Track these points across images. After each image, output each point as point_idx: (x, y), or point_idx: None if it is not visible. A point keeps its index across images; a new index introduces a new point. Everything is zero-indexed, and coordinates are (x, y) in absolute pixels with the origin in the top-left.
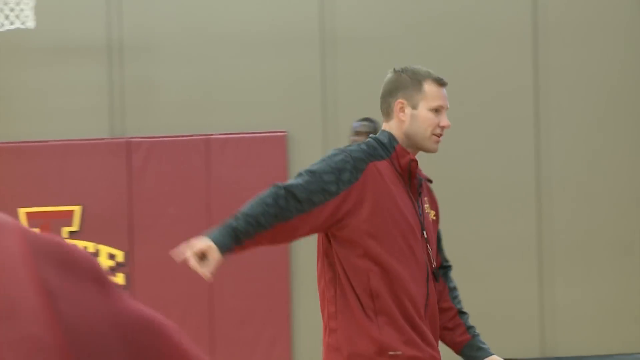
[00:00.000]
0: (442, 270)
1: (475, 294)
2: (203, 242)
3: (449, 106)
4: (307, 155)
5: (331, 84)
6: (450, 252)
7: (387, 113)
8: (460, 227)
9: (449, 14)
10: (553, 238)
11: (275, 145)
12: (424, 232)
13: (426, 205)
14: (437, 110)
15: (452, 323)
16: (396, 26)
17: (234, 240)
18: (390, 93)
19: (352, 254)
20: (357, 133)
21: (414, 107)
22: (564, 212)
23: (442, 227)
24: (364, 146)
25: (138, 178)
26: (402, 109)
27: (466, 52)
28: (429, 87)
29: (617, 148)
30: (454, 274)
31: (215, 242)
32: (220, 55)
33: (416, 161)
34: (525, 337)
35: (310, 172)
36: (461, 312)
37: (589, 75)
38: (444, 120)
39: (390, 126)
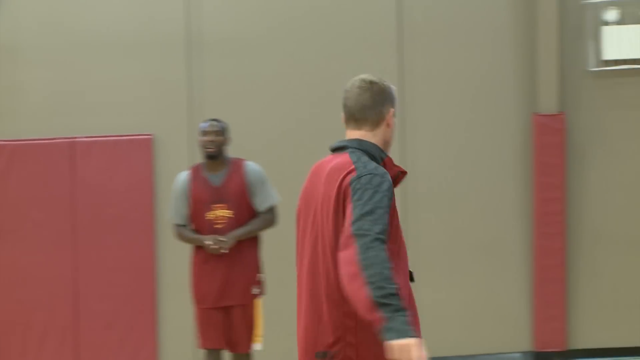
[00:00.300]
0: None
1: None
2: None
3: None
4: (173, 158)
5: (197, 86)
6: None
7: (376, 122)
8: None
9: (313, 15)
10: (417, 239)
11: (141, 148)
12: None
13: None
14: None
15: None
16: (261, 28)
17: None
18: (382, 103)
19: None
20: (205, 133)
21: (390, 123)
22: (428, 213)
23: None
24: (371, 160)
25: (1, 182)
26: (392, 117)
27: (331, 53)
28: (395, 106)
29: (480, 148)
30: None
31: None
32: (85, 57)
33: (405, 172)
34: None
35: (372, 211)
36: None
37: (452, 75)
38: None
39: (374, 135)
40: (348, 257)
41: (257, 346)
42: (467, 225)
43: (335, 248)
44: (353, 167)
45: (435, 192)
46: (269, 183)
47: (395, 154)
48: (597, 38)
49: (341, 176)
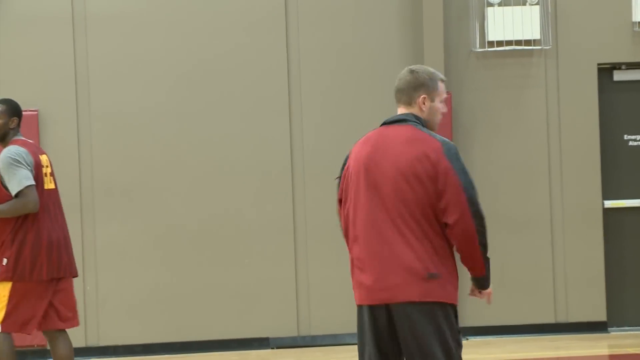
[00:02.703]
0: None
1: (235, 272)
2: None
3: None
4: (59, 133)
5: (82, 61)
6: (205, 232)
7: (409, 103)
8: (216, 207)
9: None
10: (306, 216)
11: (27, 124)
12: None
13: None
14: (443, 101)
15: None
16: (148, 4)
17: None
18: (414, 89)
19: None
20: None
21: (432, 100)
22: (317, 191)
23: (198, 206)
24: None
25: None
26: (424, 102)
27: (217, 30)
28: (440, 85)
29: (368, 128)
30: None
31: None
32: None
33: None
34: (283, 315)
35: (471, 180)
36: None
37: (338, 54)
38: (444, 108)
39: (413, 111)
40: (465, 222)
41: None
42: None
43: (424, 201)
44: (431, 137)
45: (322, 169)
46: (17, 168)
47: (282, 133)
48: (481, 19)
49: (426, 145)
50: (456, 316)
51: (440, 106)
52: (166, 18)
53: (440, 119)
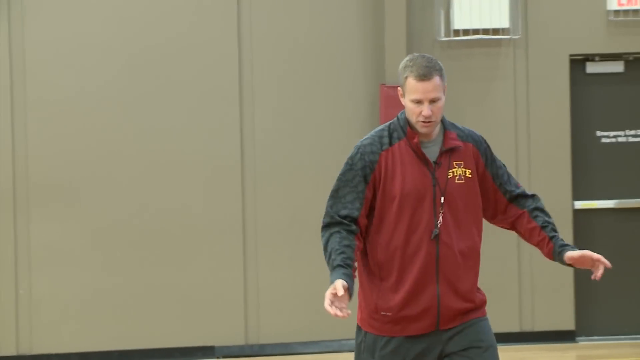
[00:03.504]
0: (513, 198)
1: (178, 276)
2: None
3: (434, 96)
4: None
5: (18, 45)
6: (148, 231)
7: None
8: (160, 204)
9: None
10: (256, 215)
11: None
12: (441, 198)
13: (454, 170)
14: (418, 102)
15: (537, 239)
16: None
17: None
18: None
19: None
20: None
21: (404, 96)
22: (268, 187)
23: (140, 204)
24: (379, 130)
25: None
26: (401, 96)
27: (166, 17)
28: (410, 82)
29: (324, 120)
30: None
31: None
32: None
33: (417, 141)
34: (230, 322)
35: None
36: (543, 227)
37: (295, 43)
38: (424, 110)
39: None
40: None
41: None
42: (310, 201)
43: None
44: None
45: (275, 166)
46: None
47: (232, 125)
48: (447, 6)
49: None
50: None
51: (411, 106)
52: (112, 1)
53: (419, 124)
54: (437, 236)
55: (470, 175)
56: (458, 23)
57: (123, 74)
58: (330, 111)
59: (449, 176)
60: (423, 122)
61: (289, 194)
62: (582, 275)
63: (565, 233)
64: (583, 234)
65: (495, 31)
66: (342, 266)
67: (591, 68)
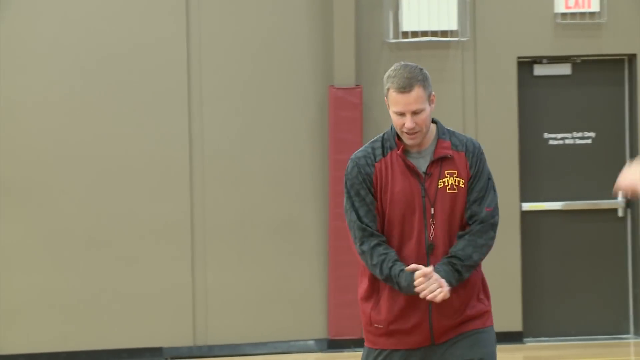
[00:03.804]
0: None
1: (126, 277)
2: None
3: (415, 108)
4: None
5: None
6: (97, 232)
7: None
8: (110, 206)
9: None
10: (205, 218)
11: None
12: (431, 209)
13: (445, 179)
14: (401, 114)
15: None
16: None
17: None
18: None
19: None
20: None
21: (389, 107)
22: (216, 189)
23: (88, 205)
24: (373, 141)
25: None
26: (388, 107)
27: (114, 20)
28: (391, 94)
29: (273, 122)
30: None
31: None
32: None
33: (402, 152)
34: (178, 323)
35: None
36: (447, 257)
37: (244, 44)
38: (407, 122)
39: None
40: None
41: None
42: (259, 203)
43: None
44: None
45: (224, 168)
46: None
47: (181, 128)
48: (395, 7)
49: None
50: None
51: (394, 118)
52: (55, 1)
53: (405, 135)
54: (429, 248)
55: (463, 185)
56: (407, 25)
57: (72, 77)
58: (279, 113)
59: (440, 186)
60: (407, 133)
61: (238, 196)
62: (529, 276)
63: (513, 235)
64: (530, 235)
65: (444, 33)
66: (402, 270)
67: (539, 70)
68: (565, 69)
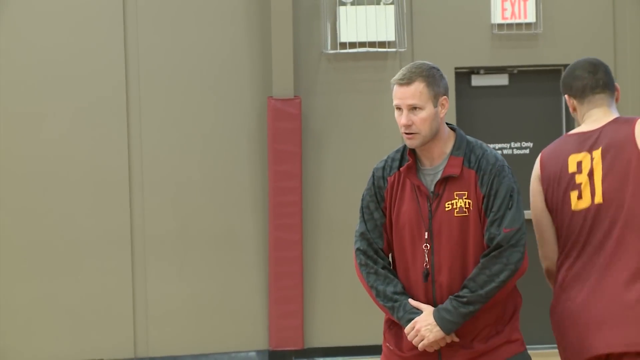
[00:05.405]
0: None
1: (65, 289)
2: None
3: (412, 103)
4: None
5: None
6: (34, 242)
7: None
8: (47, 216)
9: None
10: (145, 228)
11: None
12: (427, 233)
13: (454, 201)
14: (398, 109)
15: None
16: None
17: None
18: None
19: None
20: None
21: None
22: (154, 200)
23: (25, 214)
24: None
25: None
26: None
27: (50, 26)
28: (393, 88)
29: (211, 133)
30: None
31: None
32: None
33: (406, 168)
34: (118, 335)
35: None
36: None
37: (181, 55)
38: (402, 118)
39: None
40: None
41: None
42: (198, 214)
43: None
44: None
45: (163, 179)
46: None
47: (119, 137)
48: (333, 18)
49: None
50: None
51: (395, 116)
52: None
53: (404, 136)
54: (430, 277)
55: (473, 208)
56: (344, 36)
57: (5, 83)
58: (217, 123)
59: (447, 209)
60: (405, 133)
61: (177, 206)
62: None
63: None
64: None
65: (382, 44)
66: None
67: (476, 81)
68: (502, 80)
